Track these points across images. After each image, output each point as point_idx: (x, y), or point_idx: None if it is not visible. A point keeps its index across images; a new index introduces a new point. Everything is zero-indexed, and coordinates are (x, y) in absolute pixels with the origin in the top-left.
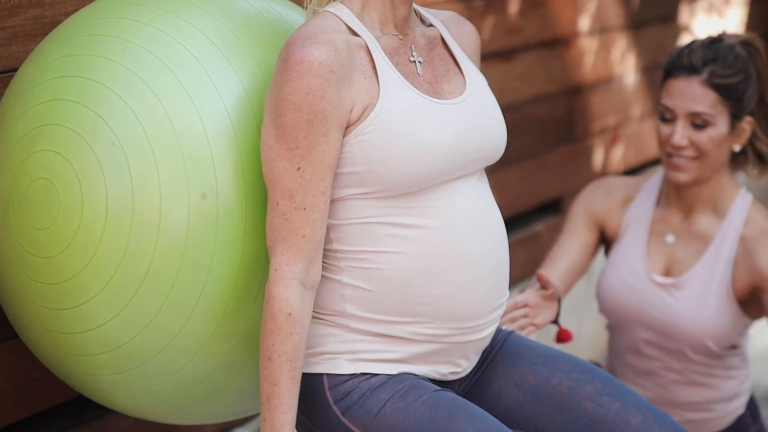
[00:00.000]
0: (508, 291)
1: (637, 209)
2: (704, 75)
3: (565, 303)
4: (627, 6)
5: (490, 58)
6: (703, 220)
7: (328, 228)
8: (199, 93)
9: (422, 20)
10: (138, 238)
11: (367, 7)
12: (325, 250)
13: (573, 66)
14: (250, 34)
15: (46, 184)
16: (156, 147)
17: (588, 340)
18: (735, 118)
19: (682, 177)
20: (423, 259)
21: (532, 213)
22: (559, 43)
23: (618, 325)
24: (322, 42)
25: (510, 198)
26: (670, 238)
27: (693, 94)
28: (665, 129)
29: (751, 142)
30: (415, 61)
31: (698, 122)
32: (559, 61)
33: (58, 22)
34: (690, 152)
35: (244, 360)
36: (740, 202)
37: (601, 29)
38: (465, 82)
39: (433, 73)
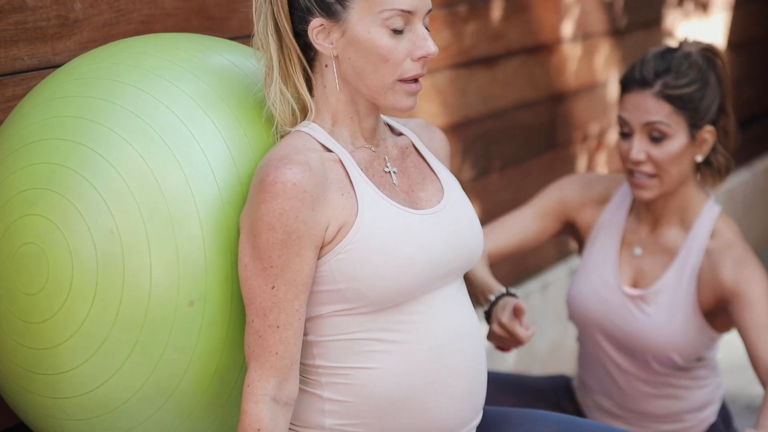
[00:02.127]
0: (484, 400)
1: (611, 213)
2: (656, 87)
3: (547, 313)
4: (610, 12)
5: (473, 65)
6: (669, 234)
7: (311, 344)
8: (203, 196)
9: (392, 130)
10: (121, 330)
11: (337, 124)
12: (306, 365)
13: (556, 72)
14: (250, 116)
15: (37, 251)
16: (153, 245)
17: (571, 349)
18: (694, 127)
19: (645, 195)
20: (404, 375)
21: None
22: (542, 49)
23: (585, 333)
24: (296, 162)
25: (493, 206)
26: (637, 250)
27: (647, 107)
28: (624, 144)
29: (712, 153)
30: (389, 172)
31: (655, 134)
32: (543, 67)
33: (40, 28)
34: (648, 168)
35: None
36: (707, 214)
37: (584, 35)
38: (442, 189)
39: (408, 182)
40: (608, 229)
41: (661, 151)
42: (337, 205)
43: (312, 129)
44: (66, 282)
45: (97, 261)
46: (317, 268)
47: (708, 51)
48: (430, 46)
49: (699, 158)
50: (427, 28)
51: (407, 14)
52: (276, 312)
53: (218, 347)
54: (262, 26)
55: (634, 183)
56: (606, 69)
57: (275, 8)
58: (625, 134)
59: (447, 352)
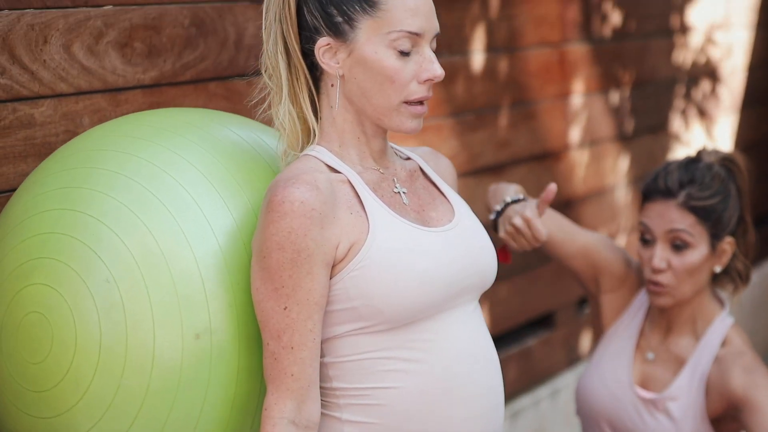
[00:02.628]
0: (502, 422)
1: (634, 311)
2: (681, 198)
3: (557, 419)
4: (617, 117)
5: (481, 173)
6: (681, 342)
7: (327, 366)
8: (193, 231)
9: (398, 156)
10: (131, 377)
11: (345, 145)
12: (323, 388)
13: (564, 179)
14: (239, 165)
15: (40, 318)
16: (150, 285)
17: None
18: (715, 238)
19: (661, 301)
20: (421, 394)
21: (523, 328)
22: (550, 156)
23: (593, 427)
24: (304, 182)
25: (501, 313)
26: (650, 355)
27: (671, 216)
28: (645, 252)
29: (730, 261)
30: (399, 192)
31: (677, 242)
32: (550, 174)
33: (48, 143)
34: (668, 276)
35: None
36: (719, 324)
37: (591, 141)
38: (453, 210)
39: (419, 202)
40: (627, 330)
41: (682, 261)
42: (347, 223)
43: (318, 152)
44: (70, 340)
45: (98, 312)
46: (331, 287)
47: (727, 161)
48: (437, 69)
49: (717, 269)
50: (434, 51)
51: (415, 36)
52: (289, 333)
53: (232, 378)
54: (272, 45)
55: (652, 290)
56: (614, 174)
57: (284, 27)
58: (647, 241)
59: (461, 373)
